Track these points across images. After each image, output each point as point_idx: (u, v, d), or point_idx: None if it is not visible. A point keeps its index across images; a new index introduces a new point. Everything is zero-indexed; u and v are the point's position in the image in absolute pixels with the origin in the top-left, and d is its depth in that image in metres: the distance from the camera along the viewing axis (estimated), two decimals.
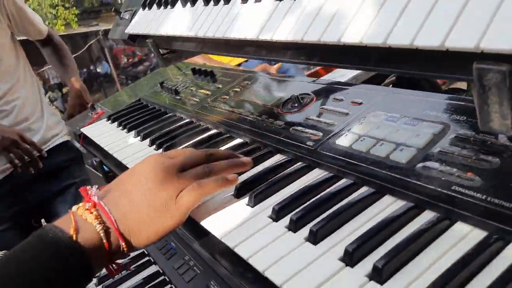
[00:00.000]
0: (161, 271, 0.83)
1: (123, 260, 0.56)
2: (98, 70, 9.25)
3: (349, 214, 0.48)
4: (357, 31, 0.42)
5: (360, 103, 0.67)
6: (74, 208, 0.52)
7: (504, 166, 0.44)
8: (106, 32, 7.69)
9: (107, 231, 0.49)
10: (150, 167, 0.54)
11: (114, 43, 8.08)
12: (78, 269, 0.47)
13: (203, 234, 0.56)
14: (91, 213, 0.50)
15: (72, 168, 1.54)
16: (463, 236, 0.41)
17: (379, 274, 0.39)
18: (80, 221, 0.49)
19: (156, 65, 7.62)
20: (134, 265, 0.87)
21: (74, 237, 0.47)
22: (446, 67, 0.38)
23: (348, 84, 0.77)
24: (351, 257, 0.42)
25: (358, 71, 1.35)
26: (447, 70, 0.38)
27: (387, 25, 0.39)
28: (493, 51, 0.33)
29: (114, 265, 0.53)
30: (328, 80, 0.83)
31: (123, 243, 0.50)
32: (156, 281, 0.82)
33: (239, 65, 2.30)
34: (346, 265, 0.42)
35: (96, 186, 0.54)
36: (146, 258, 0.87)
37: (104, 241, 0.49)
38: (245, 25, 0.62)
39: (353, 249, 0.42)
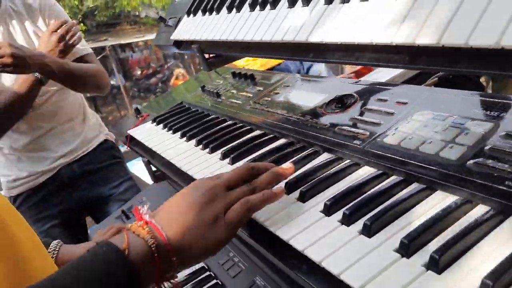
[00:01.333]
0: (206, 267, 0.86)
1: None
2: (113, 82, 9.47)
3: (402, 209, 0.50)
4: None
5: (405, 103, 0.68)
6: (128, 225, 0.54)
7: None
8: (114, 46, 7.88)
9: (158, 246, 0.51)
10: (199, 188, 0.56)
11: (129, 55, 8.31)
12: (128, 283, 0.48)
13: (253, 227, 0.59)
14: (143, 229, 0.52)
15: (115, 167, 1.61)
16: None
17: (436, 264, 0.40)
18: (132, 237, 0.51)
19: (167, 78, 7.76)
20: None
21: (125, 252, 0.49)
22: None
23: (390, 84, 0.78)
24: (407, 248, 0.43)
25: (395, 74, 1.36)
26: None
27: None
28: None
29: (165, 285, 0.54)
30: (370, 80, 0.84)
31: (174, 258, 0.52)
32: (202, 276, 0.86)
33: (271, 69, 2.34)
34: (402, 256, 0.44)
35: (148, 205, 0.56)
36: None
37: (156, 254, 0.51)
38: (292, 27, 0.65)
39: (409, 241, 0.43)
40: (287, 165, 0.63)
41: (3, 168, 1.53)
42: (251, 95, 1.02)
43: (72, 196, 1.56)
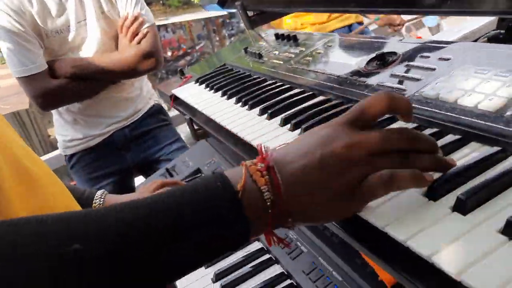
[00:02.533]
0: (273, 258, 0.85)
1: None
2: None
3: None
4: None
5: (448, 59, 0.66)
6: (248, 162, 0.46)
7: None
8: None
9: (274, 202, 0.43)
10: (339, 138, 0.44)
11: (162, 36, 8.22)
12: (235, 226, 0.43)
13: None
14: (262, 176, 0.44)
15: (164, 129, 1.68)
16: None
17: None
18: (249, 181, 0.44)
19: (196, 60, 7.61)
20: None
21: (239, 195, 0.43)
22: None
23: (436, 41, 0.76)
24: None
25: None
26: None
27: None
28: None
29: (274, 238, 0.47)
30: (415, 40, 0.82)
31: (290, 219, 0.45)
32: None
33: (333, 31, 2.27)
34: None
35: (272, 148, 0.48)
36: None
37: (269, 210, 0.43)
38: None
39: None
40: (452, 159, 0.47)
41: (60, 128, 1.63)
42: (293, 55, 1.03)
43: (125, 158, 1.66)
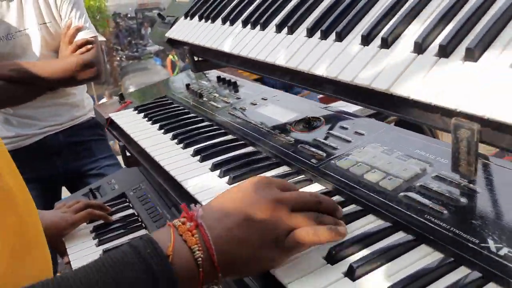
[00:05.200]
0: None
1: None
2: None
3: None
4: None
5: (363, 134, 0.77)
6: (176, 222, 0.48)
7: (469, 205, 0.54)
8: None
9: (205, 260, 0.46)
10: (262, 196, 0.50)
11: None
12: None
13: None
14: (192, 235, 0.46)
15: (98, 143, 1.67)
16: (425, 255, 0.50)
17: (351, 271, 0.48)
18: (178, 242, 0.46)
19: None
20: None
21: (170, 258, 0.44)
22: (432, 119, 0.47)
23: (355, 115, 0.87)
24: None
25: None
26: (433, 120, 0.48)
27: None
28: (467, 112, 0.43)
29: None
30: (339, 109, 0.93)
31: (220, 275, 0.47)
32: None
33: (260, 79, 2.39)
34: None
35: (200, 205, 0.51)
36: None
37: (200, 269, 0.45)
38: (273, 51, 0.73)
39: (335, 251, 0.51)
40: (345, 229, 0.52)
41: None
42: (231, 102, 1.10)
43: (56, 164, 1.63)
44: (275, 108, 0.99)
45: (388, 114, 0.55)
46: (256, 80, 2.37)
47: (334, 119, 0.86)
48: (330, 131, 0.81)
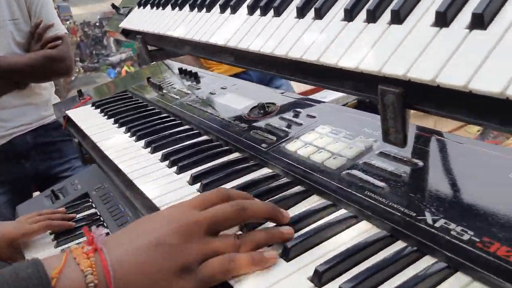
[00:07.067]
0: None
1: None
2: None
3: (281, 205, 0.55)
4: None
5: (314, 117, 0.75)
6: (74, 246, 0.44)
7: (410, 180, 0.52)
8: None
9: (98, 286, 0.40)
10: (174, 219, 0.45)
11: None
12: None
13: None
14: (88, 258, 0.41)
15: (68, 144, 1.63)
16: (364, 231, 0.48)
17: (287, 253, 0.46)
18: (69, 265, 0.41)
19: None
20: None
21: (53, 282, 0.39)
22: (362, 87, 0.45)
23: (310, 99, 0.85)
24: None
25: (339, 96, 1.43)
26: (362, 89, 0.45)
27: None
28: (391, 75, 0.40)
29: None
30: (295, 94, 0.91)
31: None
32: None
33: (236, 75, 2.36)
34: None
35: (103, 229, 0.45)
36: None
37: None
38: (226, 33, 0.70)
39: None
40: (287, 229, 0.48)
41: None
42: (190, 92, 1.07)
43: (23, 167, 1.58)
44: (233, 96, 0.97)
45: (321, 86, 0.53)
46: (233, 76, 2.34)
47: (289, 104, 0.84)
48: (283, 115, 0.79)
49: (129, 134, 0.92)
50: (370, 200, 0.50)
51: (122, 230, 0.47)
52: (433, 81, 0.37)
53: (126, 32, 1.06)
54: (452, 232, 0.42)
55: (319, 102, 0.82)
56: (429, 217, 0.45)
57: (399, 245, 0.45)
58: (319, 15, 0.52)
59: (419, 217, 0.46)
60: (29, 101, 1.56)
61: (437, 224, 0.44)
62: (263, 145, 0.71)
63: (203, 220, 0.45)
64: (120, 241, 0.44)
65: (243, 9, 0.68)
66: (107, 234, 0.79)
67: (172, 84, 1.17)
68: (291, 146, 0.67)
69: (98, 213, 1.16)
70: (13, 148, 1.54)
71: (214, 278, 0.43)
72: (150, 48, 1.00)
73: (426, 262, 0.42)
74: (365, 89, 0.45)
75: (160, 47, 0.96)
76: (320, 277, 0.42)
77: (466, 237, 0.41)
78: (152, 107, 1.06)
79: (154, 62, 1.11)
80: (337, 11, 0.52)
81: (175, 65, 1.32)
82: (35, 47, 1.48)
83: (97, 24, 6.11)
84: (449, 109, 0.38)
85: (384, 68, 0.40)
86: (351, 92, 0.48)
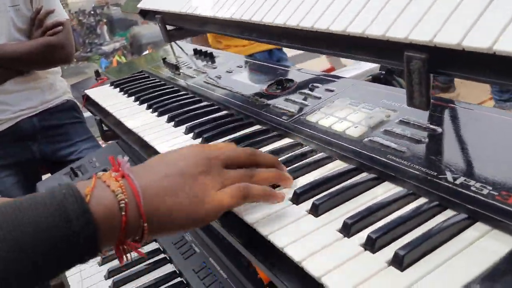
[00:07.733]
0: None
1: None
2: None
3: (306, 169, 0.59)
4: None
5: (332, 91, 0.78)
6: (99, 173, 0.45)
7: (430, 144, 0.55)
8: None
9: (129, 205, 0.43)
10: (194, 153, 0.50)
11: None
12: (82, 237, 0.40)
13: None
14: (116, 181, 0.44)
15: (76, 126, 1.65)
16: (386, 191, 0.52)
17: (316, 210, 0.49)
18: (100, 185, 0.43)
19: None
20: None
21: (87, 199, 0.41)
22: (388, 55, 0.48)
23: (327, 75, 0.88)
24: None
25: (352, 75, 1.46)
26: (387, 56, 0.48)
27: None
28: (418, 42, 0.43)
29: (125, 247, 0.45)
30: (312, 71, 0.94)
31: (145, 224, 0.44)
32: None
33: (251, 55, 2.38)
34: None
35: (127, 158, 0.47)
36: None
37: (123, 213, 0.42)
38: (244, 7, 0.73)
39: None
40: (289, 177, 0.56)
41: None
42: (207, 71, 1.10)
43: (30, 149, 1.60)
44: (250, 74, 1.00)
45: (348, 57, 0.56)
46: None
47: (307, 79, 0.87)
48: (302, 90, 0.82)
49: (150, 110, 0.96)
50: (392, 163, 0.54)
51: (145, 162, 0.50)
52: (458, 45, 0.40)
53: (144, 13, 1.08)
54: (472, 188, 0.46)
55: (336, 77, 0.85)
56: (449, 176, 0.49)
57: (421, 201, 0.49)
58: None
59: (440, 176, 0.49)
60: (33, 85, 1.56)
61: (457, 182, 0.47)
62: (284, 117, 0.75)
63: (221, 154, 0.51)
64: (145, 170, 0.48)
65: None
66: None
67: (187, 64, 1.20)
68: (312, 117, 0.71)
69: None
70: (20, 130, 1.56)
71: (232, 203, 0.48)
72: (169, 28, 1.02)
73: (448, 214, 0.45)
74: (391, 56, 0.48)
75: (179, 27, 0.99)
76: (349, 228, 0.46)
77: (485, 191, 0.45)
78: (170, 86, 1.09)
79: (148, 52, 1.13)
80: None
81: (189, 46, 1.35)
82: (36, 33, 1.47)
83: (92, 12, 6.08)
84: (473, 71, 0.41)
85: (410, 34, 0.43)
86: (376, 60, 0.51)
